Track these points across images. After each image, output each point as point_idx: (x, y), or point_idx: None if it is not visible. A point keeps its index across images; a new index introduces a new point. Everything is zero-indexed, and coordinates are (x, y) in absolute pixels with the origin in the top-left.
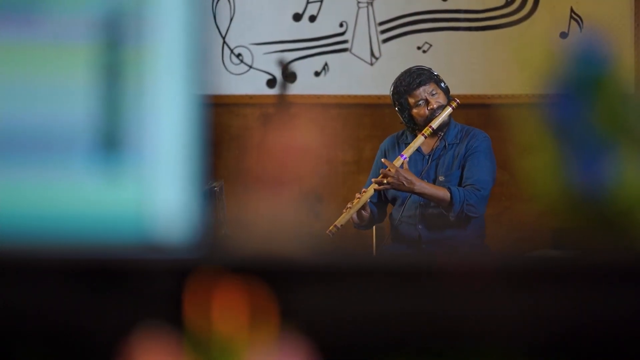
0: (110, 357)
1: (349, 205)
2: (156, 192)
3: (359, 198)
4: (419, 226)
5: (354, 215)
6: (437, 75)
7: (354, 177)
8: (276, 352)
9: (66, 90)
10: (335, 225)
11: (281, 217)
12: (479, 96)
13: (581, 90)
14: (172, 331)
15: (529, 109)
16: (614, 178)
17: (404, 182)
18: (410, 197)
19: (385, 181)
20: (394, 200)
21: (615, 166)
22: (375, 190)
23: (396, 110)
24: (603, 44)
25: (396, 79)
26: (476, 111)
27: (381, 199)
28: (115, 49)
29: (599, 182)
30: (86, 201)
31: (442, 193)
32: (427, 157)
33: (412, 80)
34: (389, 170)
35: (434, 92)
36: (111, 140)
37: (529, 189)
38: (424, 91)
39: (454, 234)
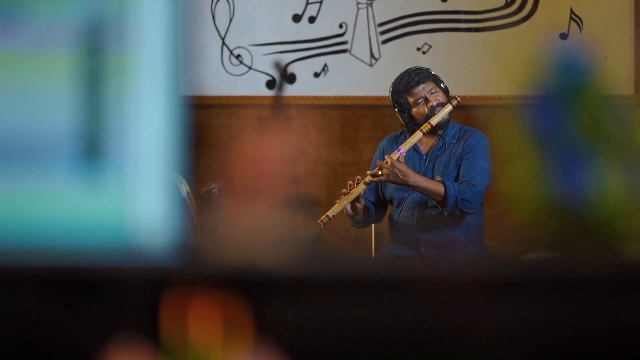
0: None
1: (342, 195)
2: (138, 200)
3: (351, 185)
4: (417, 227)
5: (348, 207)
6: (435, 75)
7: (353, 179)
8: None
9: (47, 98)
10: (327, 216)
11: (279, 219)
12: (478, 97)
13: (572, 94)
14: (148, 341)
15: (524, 110)
16: (598, 186)
17: (398, 174)
18: (407, 197)
19: (380, 172)
20: (392, 200)
21: (600, 174)
22: (369, 181)
23: (396, 111)
24: (596, 47)
25: (395, 80)
26: (475, 112)
27: (379, 197)
28: (96, 55)
29: (584, 190)
30: (67, 209)
31: (437, 187)
32: (424, 157)
33: (410, 79)
34: (385, 162)
35: (433, 91)
36: (93, 148)
37: (523, 191)
38: (422, 89)
39: (452, 235)
